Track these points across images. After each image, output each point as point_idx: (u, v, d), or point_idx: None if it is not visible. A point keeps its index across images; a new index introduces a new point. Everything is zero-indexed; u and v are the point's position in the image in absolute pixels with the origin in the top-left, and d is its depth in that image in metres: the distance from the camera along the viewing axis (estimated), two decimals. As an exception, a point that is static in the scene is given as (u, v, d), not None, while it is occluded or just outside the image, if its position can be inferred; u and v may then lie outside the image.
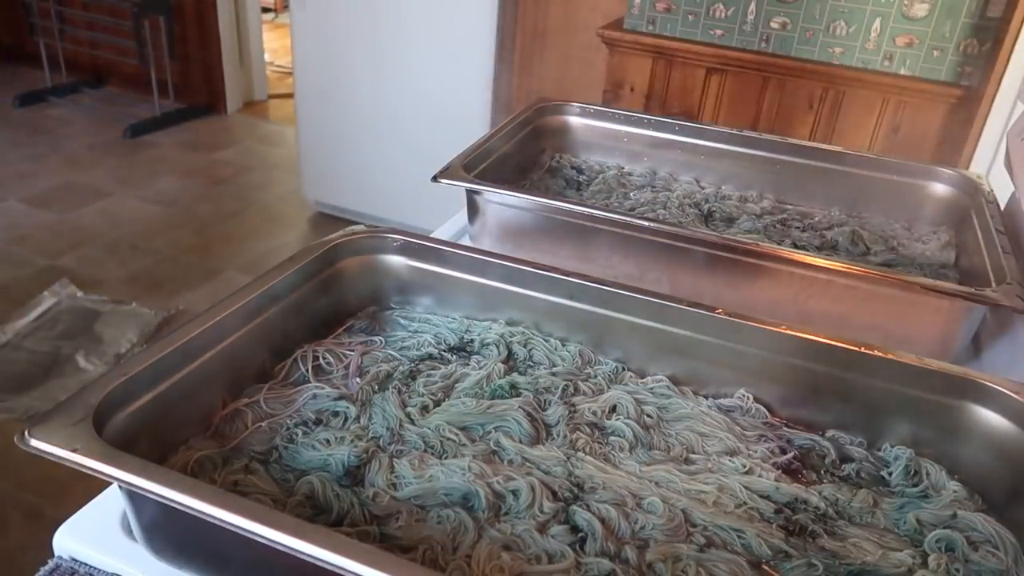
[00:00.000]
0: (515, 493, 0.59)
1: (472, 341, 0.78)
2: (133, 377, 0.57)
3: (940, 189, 1.13)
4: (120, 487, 0.51)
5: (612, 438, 0.67)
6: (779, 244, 1.02)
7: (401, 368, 0.73)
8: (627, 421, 0.69)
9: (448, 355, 0.76)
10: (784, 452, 0.68)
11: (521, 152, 1.19)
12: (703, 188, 1.21)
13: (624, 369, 0.76)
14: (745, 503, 0.62)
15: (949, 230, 1.10)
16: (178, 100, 3.77)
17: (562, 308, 0.77)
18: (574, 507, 0.59)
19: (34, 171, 3.20)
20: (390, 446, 0.64)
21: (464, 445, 0.64)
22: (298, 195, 3.04)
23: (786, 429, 0.71)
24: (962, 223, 1.07)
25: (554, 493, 0.60)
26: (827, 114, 2.30)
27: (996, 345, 0.91)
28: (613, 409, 0.70)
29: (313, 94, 2.80)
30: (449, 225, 1.09)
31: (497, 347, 0.77)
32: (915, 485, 0.66)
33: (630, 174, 1.24)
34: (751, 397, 0.73)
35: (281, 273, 0.72)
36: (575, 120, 1.30)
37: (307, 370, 0.72)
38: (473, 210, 1.00)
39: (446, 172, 0.97)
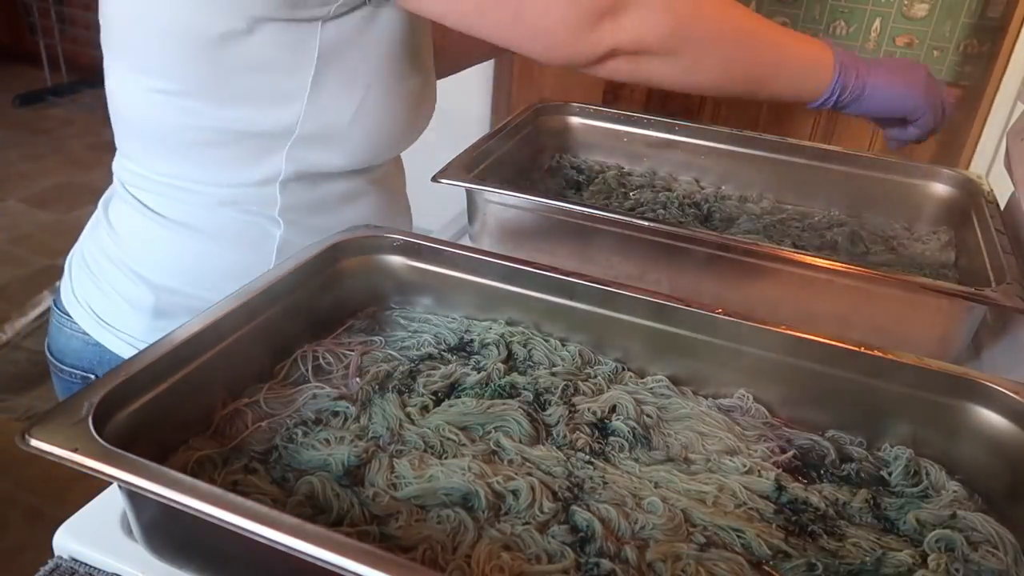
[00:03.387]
0: (515, 493, 0.59)
1: (472, 341, 0.78)
2: (133, 377, 0.57)
3: (940, 189, 1.13)
4: (120, 487, 0.52)
5: (612, 438, 0.67)
6: (779, 244, 1.02)
7: (401, 368, 0.73)
8: (627, 421, 0.69)
9: (448, 355, 0.76)
10: (784, 452, 0.68)
11: (521, 152, 1.19)
12: (703, 188, 1.21)
13: (624, 369, 0.76)
14: (745, 503, 0.62)
15: (949, 230, 1.10)
16: (178, 100, 3.76)
17: (562, 308, 0.77)
18: (574, 507, 0.59)
19: (34, 171, 3.20)
20: (390, 446, 0.64)
21: (464, 445, 0.64)
22: (298, 195, 3.04)
23: (786, 429, 0.71)
24: (962, 223, 1.07)
25: (554, 493, 0.60)
26: (827, 114, 2.30)
27: (996, 345, 0.91)
28: (613, 409, 0.70)
29: (313, 94, 2.80)
30: (449, 225, 1.09)
31: (497, 347, 0.77)
32: (915, 485, 0.66)
33: (630, 174, 1.24)
34: (751, 397, 0.73)
35: (281, 273, 0.72)
36: (575, 120, 1.30)
37: (307, 370, 0.72)
38: (473, 210, 1.01)
39: (446, 172, 0.97)
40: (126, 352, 0.83)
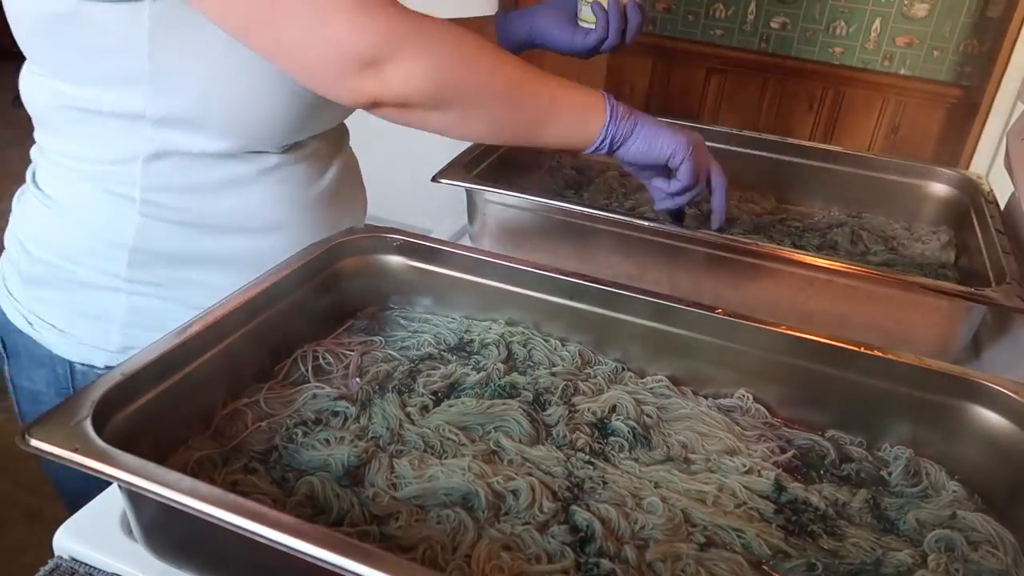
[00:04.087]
0: (515, 493, 0.59)
1: (472, 341, 0.78)
2: (133, 377, 0.57)
3: (940, 189, 1.13)
4: (120, 487, 0.52)
5: (612, 438, 0.67)
6: (779, 244, 1.02)
7: (401, 368, 0.73)
8: (627, 421, 0.69)
9: (448, 355, 0.76)
10: (784, 452, 0.68)
11: (521, 152, 1.19)
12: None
13: (624, 369, 0.76)
14: (745, 503, 0.62)
15: (949, 230, 1.10)
16: (178, 100, 3.75)
17: (562, 308, 0.78)
18: (574, 507, 0.59)
19: (34, 171, 3.20)
20: (390, 446, 0.64)
21: (464, 445, 0.64)
22: (298, 195, 3.03)
23: (786, 429, 0.71)
24: (962, 223, 1.07)
25: (554, 493, 0.60)
26: (827, 114, 2.30)
27: (996, 345, 0.91)
28: (613, 409, 0.70)
29: (313, 94, 2.79)
30: (449, 225, 1.09)
31: (497, 347, 0.77)
32: (915, 485, 0.66)
33: (630, 174, 1.23)
34: (751, 397, 0.73)
35: (281, 273, 0.72)
36: (575, 120, 1.29)
37: (307, 370, 0.72)
38: (473, 210, 1.01)
39: (446, 172, 0.97)
40: (15, 318, 0.85)
